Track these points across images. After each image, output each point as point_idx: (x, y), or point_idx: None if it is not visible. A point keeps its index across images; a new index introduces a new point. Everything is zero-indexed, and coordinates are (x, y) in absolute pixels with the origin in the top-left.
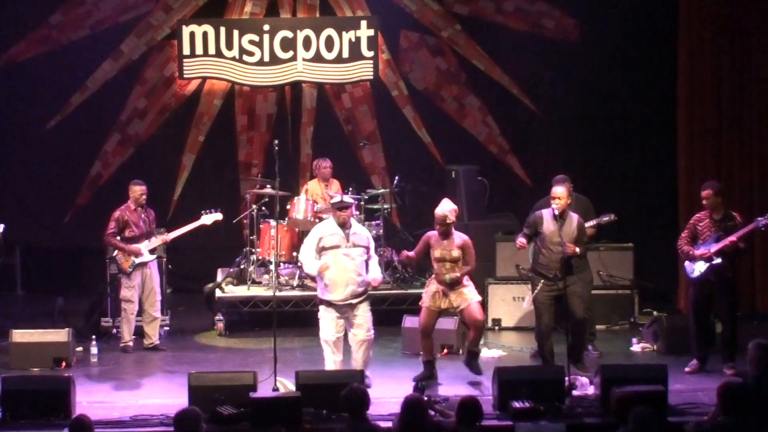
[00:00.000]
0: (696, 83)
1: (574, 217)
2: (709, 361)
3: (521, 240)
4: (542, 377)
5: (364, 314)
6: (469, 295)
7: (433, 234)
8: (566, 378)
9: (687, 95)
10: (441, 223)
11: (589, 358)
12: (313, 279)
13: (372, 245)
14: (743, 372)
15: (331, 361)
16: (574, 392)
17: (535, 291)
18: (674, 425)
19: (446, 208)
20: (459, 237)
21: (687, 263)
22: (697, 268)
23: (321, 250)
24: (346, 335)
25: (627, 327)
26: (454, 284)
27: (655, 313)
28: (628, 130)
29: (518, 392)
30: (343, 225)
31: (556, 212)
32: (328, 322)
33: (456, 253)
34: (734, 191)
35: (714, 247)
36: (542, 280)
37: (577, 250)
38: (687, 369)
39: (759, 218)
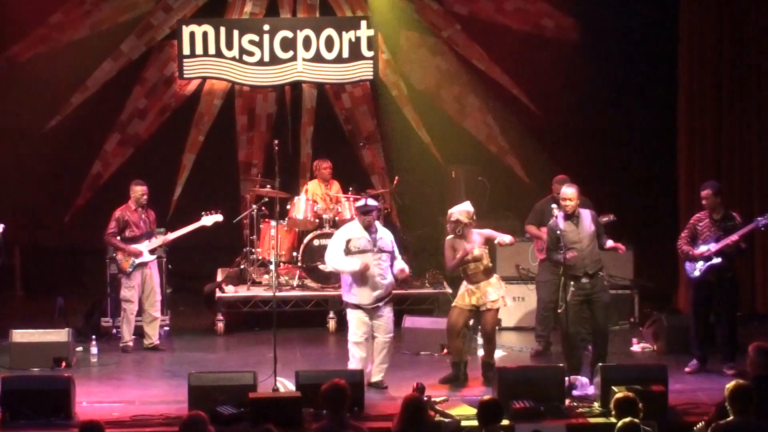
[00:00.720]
0: (696, 83)
1: (586, 213)
2: (709, 361)
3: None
4: (542, 377)
5: (387, 317)
6: (492, 295)
7: (449, 238)
8: (566, 378)
9: (687, 95)
10: (447, 221)
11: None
12: (316, 280)
13: (396, 248)
14: (743, 373)
15: (358, 359)
16: (574, 392)
17: (568, 295)
18: (674, 425)
19: (456, 208)
20: (477, 234)
21: (687, 263)
22: (697, 268)
23: (348, 252)
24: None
25: (627, 327)
26: (486, 271)
27: (655, 313)
28: (628, 131)
29: (518, 392)
30: (368, 228)
31: (568, 211)
32: (356, 323)
33: (477, 251)
34: (734, 191)
35: (714, 247)
36: (572, 282)
37: (619, 246)
38: (687, 369)
39: (759, 218)
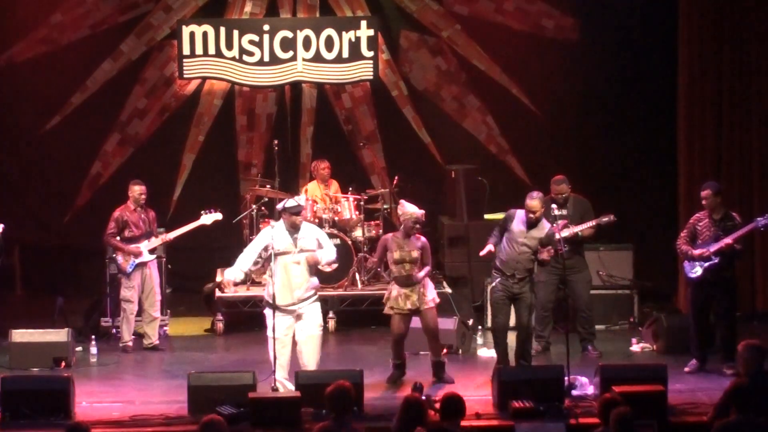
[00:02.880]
0: (696, 83)
1: (545, 226)
2: (709, 361)
3: (489, 247)
4: (542, 377)
5: (310, 313)
6: (429, 296)
7: (389, 236)
8: (566, 378)
9: (687, 95)
10: (408, 219)
11: (589, 358)
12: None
13: (323, 240)
14: (739, 372)
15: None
16: (574, 392)
17: (489, 288)
18: (674, 425)
19: (413, 207)
20: (418, 239)
21: (686, 263)
22: (696, 268)
23: (269, 255)
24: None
25: (627, 327)
26: (413, 281)
27: (655, 313)
28: (627, 130)
29: (518, 392)
30: (295, 229)
31: (531, 221)
32: (271, 321)
33: (416, 254)
34: (734, 191)
35: (713, 247)
36: (499, 278)
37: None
38: (687, 369)
39: (758, 218)
